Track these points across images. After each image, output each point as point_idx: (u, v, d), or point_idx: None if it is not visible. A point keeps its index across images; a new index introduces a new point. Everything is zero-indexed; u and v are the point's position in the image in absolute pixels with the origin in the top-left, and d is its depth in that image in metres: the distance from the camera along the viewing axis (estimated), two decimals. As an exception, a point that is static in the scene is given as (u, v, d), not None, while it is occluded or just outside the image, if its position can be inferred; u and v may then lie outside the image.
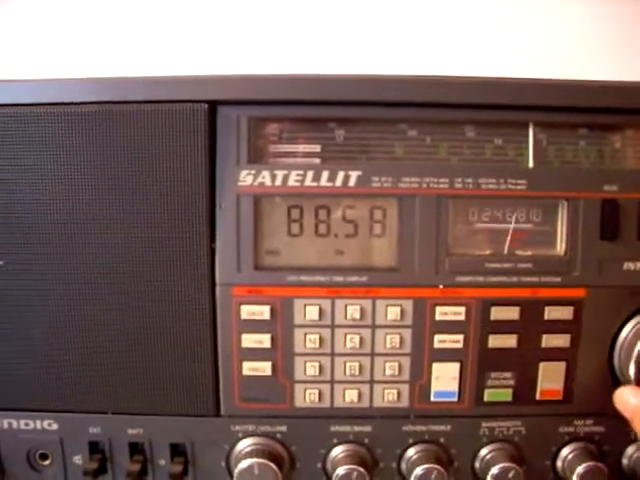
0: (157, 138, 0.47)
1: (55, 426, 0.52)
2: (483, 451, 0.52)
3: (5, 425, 0.52)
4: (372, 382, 0.50)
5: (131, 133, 0.47)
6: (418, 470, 0.50)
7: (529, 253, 0.50)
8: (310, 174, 0.48)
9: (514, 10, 0.73)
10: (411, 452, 0.51)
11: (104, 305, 0.49)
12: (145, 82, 0.48)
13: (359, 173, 0.48)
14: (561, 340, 0.50)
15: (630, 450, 0.52)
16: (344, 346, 0.49)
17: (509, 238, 0.49)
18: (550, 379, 0.51)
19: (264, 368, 0.50)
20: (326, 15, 0.72)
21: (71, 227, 0.48)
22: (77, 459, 0.52)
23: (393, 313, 0.49)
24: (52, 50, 0.73)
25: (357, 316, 0.49)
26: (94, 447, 0.52)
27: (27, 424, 0.52)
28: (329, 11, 0.72)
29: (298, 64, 0.70)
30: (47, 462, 0.53)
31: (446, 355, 0.50)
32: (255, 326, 0.49)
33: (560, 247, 0.50)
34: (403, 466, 0.52)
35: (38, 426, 0.52)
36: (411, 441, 0.51)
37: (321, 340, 0.49)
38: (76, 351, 0.50)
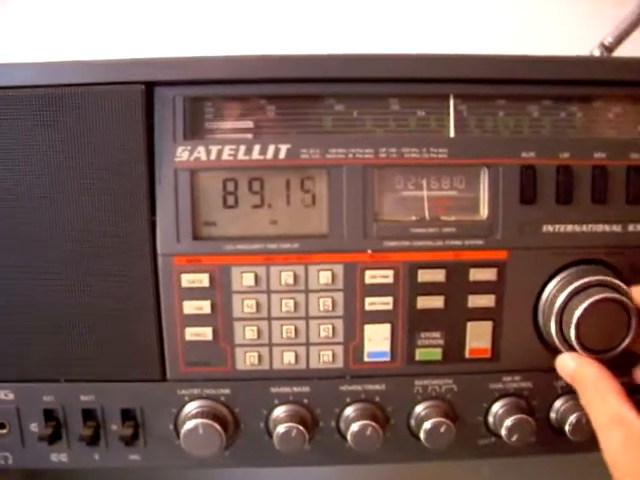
0: (98, 119, 0.50)
1: (11, 396, 0.54)
2: (418, 408, 0.55)
3: (-36, 396, 0.55)
4: (308, 344, 0.53)
5: (73, 114, 0.50)
6: (354, 426, 0.52)
7: (453, 218, 0.52)
8: (242, 148, 0.51)
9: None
10: (349, 411, 0.54)
11: (53, 277, 0.52)
12: (85, 65, 0.50)
13: (288, 146, 0.51)
14: (486, 300, 0.53)
15: (557, 404, 0.55)
16: (280, 310, 0.52)
17: (426, 204, 0.52)
18: (478, 338, 0.53)
19: (205, 333, 0.52)
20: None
21: (18, 204, 0.51)
22: (33, 427, 0.55)
23: (325, 277, 0.52)
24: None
25: (291, 281, 0.52)
26: (49, 414, 0.55)
27: (-15, 395, 0.55)
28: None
29: (230, 45, 0.74)
30: (5, 431, 0.55)
31: (377, 317, 0.53)
32: (195, 293, 0.52)
33: (482, 212, 0.52)
34: (341, 425, 0.54)
35: (-5, 396, 0.55)
36: (348, 400, 0.54)
37: (258, 305, 0.52)
38: (29, 324, 0.52)
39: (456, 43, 0.78)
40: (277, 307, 0.52)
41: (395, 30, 0.79)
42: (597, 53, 0.59)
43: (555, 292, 0.52)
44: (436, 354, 0.53)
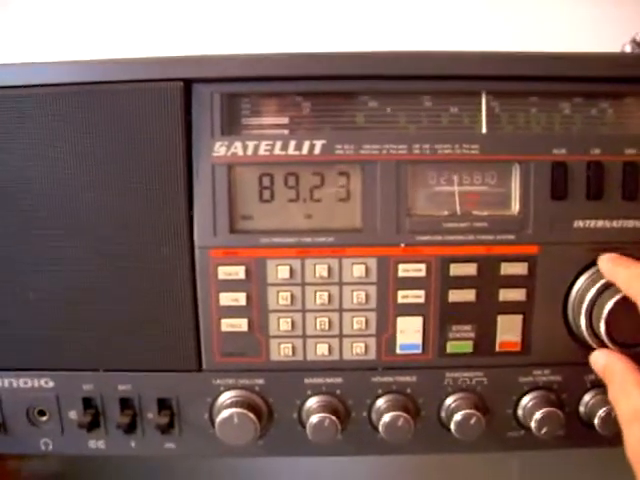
0: (137, 116, 0.51)
1: (51, 384, 0.56)
2: (448, 400, 0.55)
3: (6, 384, 0.56)
4: (341, 336, 0.54)
5: (112, 112, 0.51)
6: (386, 417, 0.53)
7: (485, 213, 0.53)
8: (279, 144, 0.52)
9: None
10: (380, 402, 0.55)
11: (96, 268, 0.53)
12: (124, 63, 0.52)
13: (324, 142, 0.52)
14: (517, 294, 0.53)
15: (587, 397, 0.56)
16: (314, 302, 0.53)
17: (458, 199, 0.53)
18: (508, 331, 0.54)
19: (241, 324, 0.54)
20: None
21: (57, 202, 0.52)
22: (72, 414, 0.56)
23: (358, 271, 0.53)
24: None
25: (325, 274, 0.53)
26: (88, 403, 0.56)
27: (26, 382, 0.56)
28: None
29: (264, 42, 0.75)
30: (45, 418, 0.57)
31: (409, 309, 0.53)
32: (231, 285, 0.53)
33: (514, 207, 0.53)
34: (373, 416, 0.55)
35: (36, 384, 0.56)
36: (380, 392, 0.55)
37: (292, 297, 0.53)
38: (69, 313, 0.54)
39: (470, 43, 0.78)
40: (311, 299, 0.53)
41: (411, 28, 0.80)
42: (629, 49, 0.59)
43: (585, 287, 0.52)
44: (467, 347, 0.54)
